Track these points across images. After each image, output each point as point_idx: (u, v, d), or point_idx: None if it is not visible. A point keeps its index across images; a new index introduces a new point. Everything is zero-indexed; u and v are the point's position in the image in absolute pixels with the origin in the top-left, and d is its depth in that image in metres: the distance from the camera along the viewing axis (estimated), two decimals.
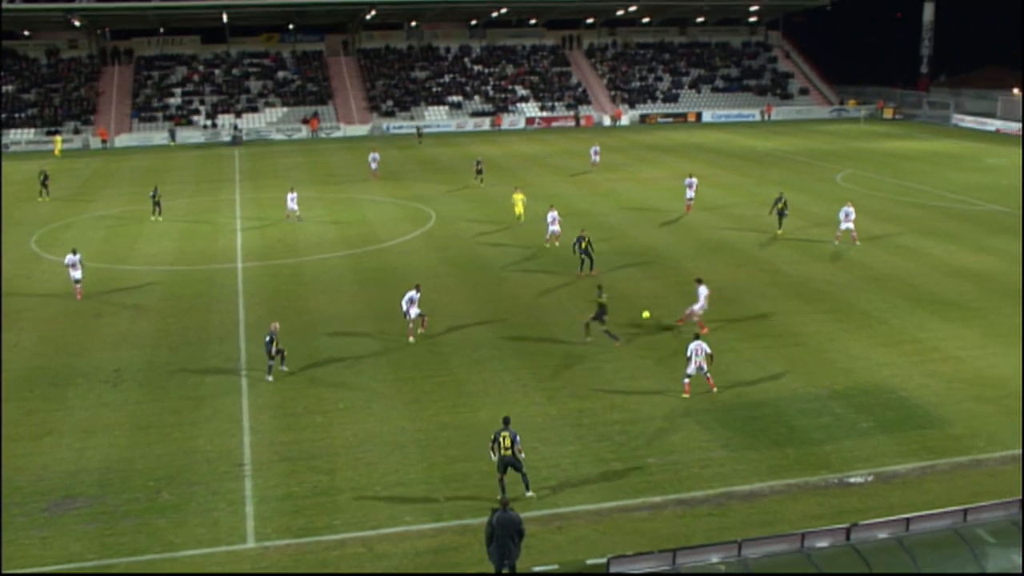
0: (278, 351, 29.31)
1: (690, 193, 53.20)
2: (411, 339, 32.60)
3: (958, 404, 27.21)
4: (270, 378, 29.19)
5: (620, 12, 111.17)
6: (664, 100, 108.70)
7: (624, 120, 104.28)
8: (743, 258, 43.35)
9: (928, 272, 40.83)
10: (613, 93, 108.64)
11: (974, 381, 28.82)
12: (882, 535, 18.06)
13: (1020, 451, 24.42)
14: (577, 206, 55.74)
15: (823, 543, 17.75)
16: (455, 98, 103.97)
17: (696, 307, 33.31)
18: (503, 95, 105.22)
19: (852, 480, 23.13)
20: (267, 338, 29.15)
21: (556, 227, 45.24)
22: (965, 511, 18.22)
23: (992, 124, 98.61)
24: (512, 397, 28.04)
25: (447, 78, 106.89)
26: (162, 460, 24.57)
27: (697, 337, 28.07)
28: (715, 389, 27.95)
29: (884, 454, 24.33)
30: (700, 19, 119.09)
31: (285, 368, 29.86)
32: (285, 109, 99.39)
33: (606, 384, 28.92)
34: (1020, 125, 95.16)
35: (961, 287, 38.52)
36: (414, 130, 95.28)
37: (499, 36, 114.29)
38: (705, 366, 27.55)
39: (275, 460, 24.50)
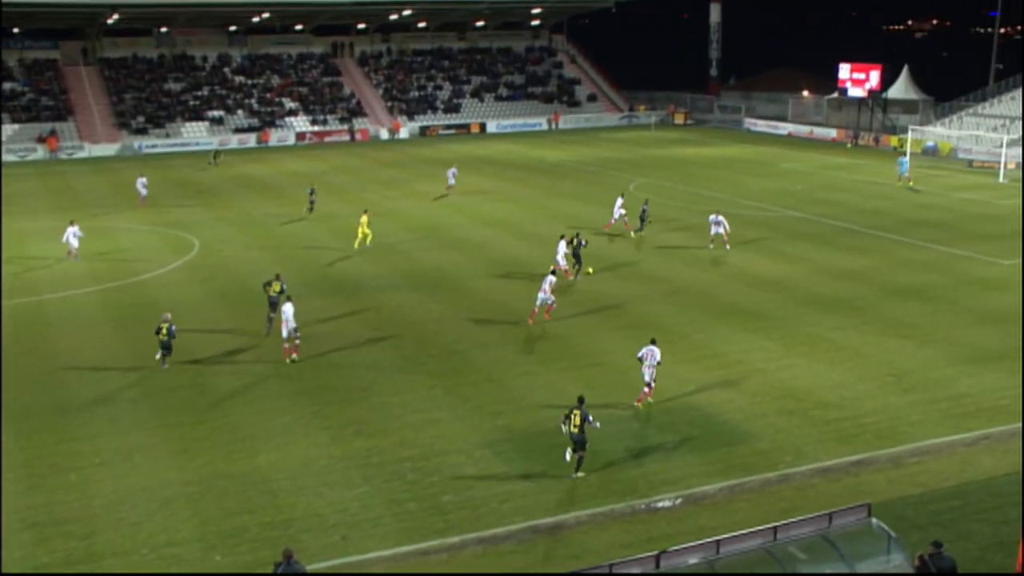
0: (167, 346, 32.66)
1: (619, 210, 52.91)
2: (290, 358, 33.52)
3: (764, 418, 28.56)
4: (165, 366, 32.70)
5: (393, 17, 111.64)
6: (445, 110, 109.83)
7: (403, 133, 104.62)
8: (534, 275, 44.10)
9: (727, 282, 42.81)
10: (390, 104, 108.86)
11: (778, 394, 30.34)
12: (692, 560, 18.60)
13: (828, 464, 25.84)
14: (356, 227, 55.53)
15: (635, 571, 18.13)
16: (216, 112, 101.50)
17: (543, 295, 36.64)
18: (269, 109, 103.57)
19: (660, 504, 23.84)
20: (170, 327, 32.53)
21: None
22: (775, 529, 19.00)
23: (784, 127, 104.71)
24: (292, 438, 27.51)
25: (205, 90, 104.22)
26: None
27: (652, 342, 29.40)
28: (650, 399, 29.35)
29: (692, 475, 25.21)
30: (480, 23, 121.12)
31: (166, 367, 32.75)
32: (16, 126, 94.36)
33: (395, 418, 28.79)
34: (810, 128, 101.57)
35: (761, 296, 40.57)
36: (172, 149, 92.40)
37: (262, 44, 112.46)
38: (654, 373, 29.08)
39: (21, 528, 23.10)
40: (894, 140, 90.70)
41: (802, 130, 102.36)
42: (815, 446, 26.77)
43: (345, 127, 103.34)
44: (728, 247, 48.83)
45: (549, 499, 24.10)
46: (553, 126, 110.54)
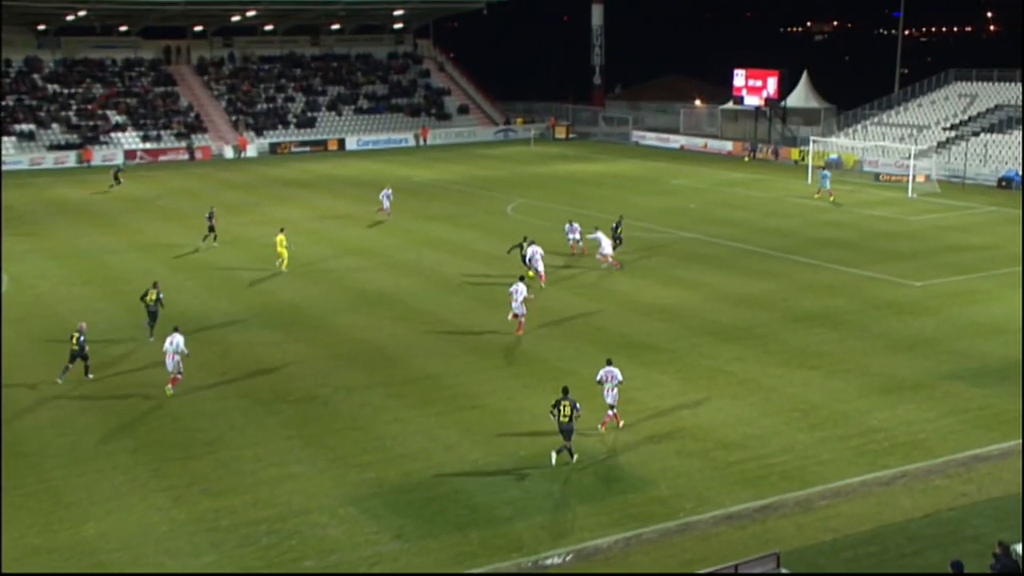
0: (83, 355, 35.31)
1: (574, 235, 54.52)
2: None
3: (662, 461, 28.91)
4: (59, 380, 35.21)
5: (236, 18, 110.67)
6: (299, 125, 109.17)
7: (251, 151, 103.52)
8: (403, 309, 44.11)
9: (616, 311, 43.34)
10: (235, 118, 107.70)
11: (676, 434, 30.76)
12: None
13: (733, 510, 26.23)
14: (201, 260, 54.65)
15: None
16: (25, 127, 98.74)
17: (516, 306, 40.17)
18: (92, 123, 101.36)
19: (549, 561, 23.92)
20: (80, 338, 35.15)
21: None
22: None
23: (675, 140, 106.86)
24: (127, 502, 26.85)
25: (10, 100, 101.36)
26: None
27: (609, 363, 31.13)
28: (620, 424, 31.23)
29: (583, 527, 25.36)
30: (335, 26, 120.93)
31: (91, 376, 35.52)
32: None
33: (247, 474, 28.35)
34: (704, 140, 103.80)
35: (653, 326, 41.17)
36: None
37: (79, 47, 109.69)
38: (616, 395, 30.88)
39: None
40: (795, 152, 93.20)
41: (695, 143, 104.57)
42: (718, 490, 27.18)
43: (183, 144, 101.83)
44: (579, 253, 53.14)
45: (425, 561, 23.98)
46: (421, 142, 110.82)
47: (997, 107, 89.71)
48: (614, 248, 51.81)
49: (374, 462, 29.01)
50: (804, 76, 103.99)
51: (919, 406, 32.76)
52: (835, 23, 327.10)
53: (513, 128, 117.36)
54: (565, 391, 28.82)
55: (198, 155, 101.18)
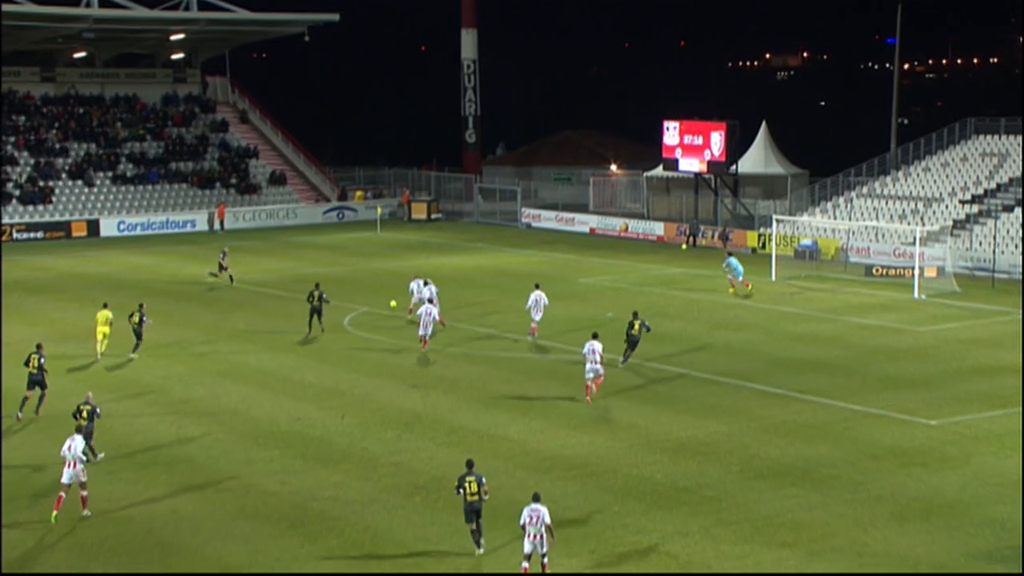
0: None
1: (537, 315, 63.21)
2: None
3: None
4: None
5: None
6: (24, 200, 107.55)
7: None
8: (190, 472, 43.52)
9: (505, 467, 43.12)
10: None
11: None
12: None
13: None
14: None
15: None
16: None
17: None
18: None
19: None
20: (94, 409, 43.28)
21: None
22: None
23: (583, 222, 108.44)
24: None
25: None
26: None
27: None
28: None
29: None
30: (80, 54, 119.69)
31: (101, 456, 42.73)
32: None
33: None
34: (624, 222, 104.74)
35: (557, 488, 41.10)
36: None
37: None
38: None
39: None
40: (752, 237, 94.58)
41: (611, 225, 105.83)
42: None
43: None
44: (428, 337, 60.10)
45: None
46: (216, 225, 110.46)
47: None
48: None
49: None
50: (763, 130, 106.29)
51: None
52: (804, 54, 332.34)
53: (351, 206, 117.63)
54: (470, 465, 35.31)
55: None
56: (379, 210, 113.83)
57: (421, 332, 60.89)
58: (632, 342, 56.60)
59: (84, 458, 38.61)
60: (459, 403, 51.74)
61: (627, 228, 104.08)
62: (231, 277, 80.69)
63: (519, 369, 56.94)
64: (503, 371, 57.06)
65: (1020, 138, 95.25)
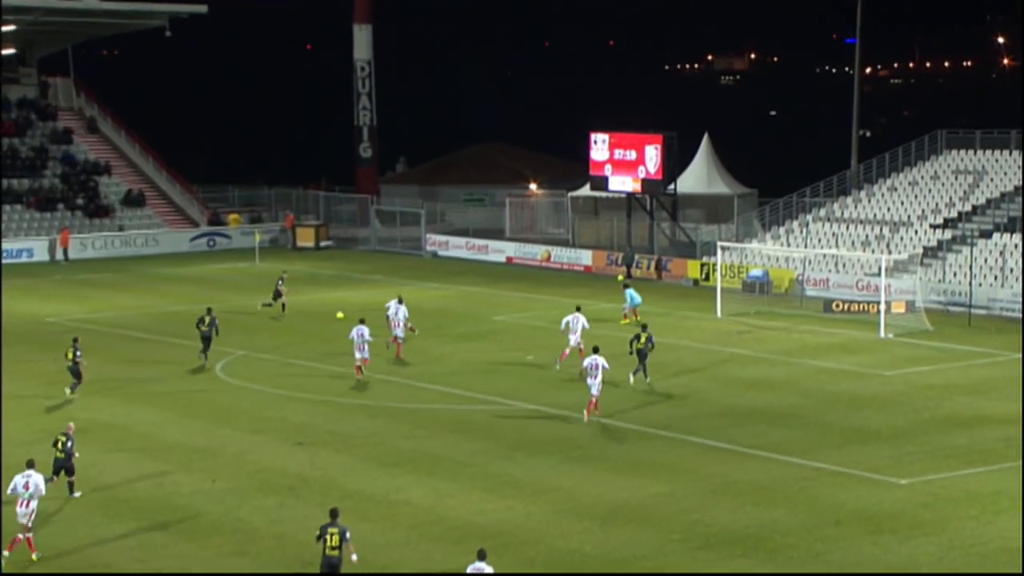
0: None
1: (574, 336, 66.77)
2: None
3: None
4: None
5: None
6: None
7: None
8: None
9: (406, 536, 42.89)
10: None
11: None
12: None
13: None
14: None
15: None
16: None
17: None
18: None
19: None
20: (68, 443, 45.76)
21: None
22: None
23: (498, 249, 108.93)
24: None
25: None
26: None
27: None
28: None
29: None
30: None
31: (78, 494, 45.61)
32: None
33: None
34: (546, 250, 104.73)
35: (465, 562, 40.89)
36: None
37: None
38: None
39: None
40: (693, 267, 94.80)
41: (531, 253, 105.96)
42: None
43: None
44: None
45: None
46: (59, 255, 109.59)
47: (1020, 189, 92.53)
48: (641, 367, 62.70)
49: None
50: (705, 143, 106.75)
51: None
52: (752, 56, 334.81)
53: (224, 232, 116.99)
54: (334, 515, 36.70)
55: None
56: (257, 236, 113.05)
57: (358, 356, 64.09)
58: (642, 356, 62.27)
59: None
60: (353, 463, 51.44)
61: (549, 257, 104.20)
62: (284, 306, 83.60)
63: (423, 422, 56.68)
64: (405, 424, 56.82)
65: (999, 154, 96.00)
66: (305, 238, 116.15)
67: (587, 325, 66.30)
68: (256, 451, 53.10)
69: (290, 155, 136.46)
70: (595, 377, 55.60)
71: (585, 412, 55.76)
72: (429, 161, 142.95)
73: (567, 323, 66.20)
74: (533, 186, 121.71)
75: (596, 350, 56.97)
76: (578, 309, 67.06)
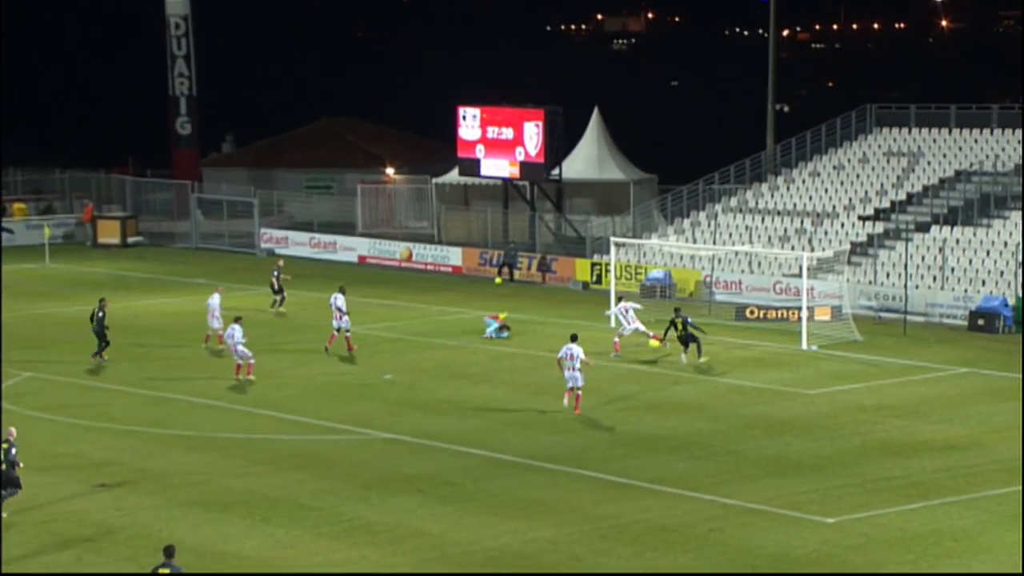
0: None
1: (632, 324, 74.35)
2: None
3: None
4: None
5: None
6: None
7: None
8: None
9: None
10: None
11: None
12: None
13: None
14: None
15: None
16: None
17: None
18: None
19: None
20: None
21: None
22: None
23: (348, 247, 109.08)
24: None
25: None
26: None
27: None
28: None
29: None
30: None
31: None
32: None
33: None
34: (407, 248, 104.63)
35: None
36: None
37: None
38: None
39: None
40: (582, 267, 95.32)
41: (388, 251, 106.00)
42: None
43: None
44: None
45: None
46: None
47: (962, 174, 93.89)
48: (688, 347, 70.61)
49: None
50: (595, 119, 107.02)
51: None
52: (649, 15, 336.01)
53: (8, 224, 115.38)
54: (169, 553, 35.91)
55: None
56: (47, 231, 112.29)
57: (238, 361, 67.77)
58: (685, 341, 70.51)
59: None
60: (171, 508, 50.92)
61: (411, 256, 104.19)
62: (283, 299, 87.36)
63: (258, 456, 56.33)
64: (236, 459, 56.48)
65: (937, 132, 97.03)
66: (108, 233, 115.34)
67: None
68: (47, 493, 52.20)
69: (89, 132, 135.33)
70: (572, 368, 60.02)
71: (565, 397, 61.37)
72: (263, 139, 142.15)
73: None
74: (390, 171, 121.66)
75: (574, 338, 61.25)
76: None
